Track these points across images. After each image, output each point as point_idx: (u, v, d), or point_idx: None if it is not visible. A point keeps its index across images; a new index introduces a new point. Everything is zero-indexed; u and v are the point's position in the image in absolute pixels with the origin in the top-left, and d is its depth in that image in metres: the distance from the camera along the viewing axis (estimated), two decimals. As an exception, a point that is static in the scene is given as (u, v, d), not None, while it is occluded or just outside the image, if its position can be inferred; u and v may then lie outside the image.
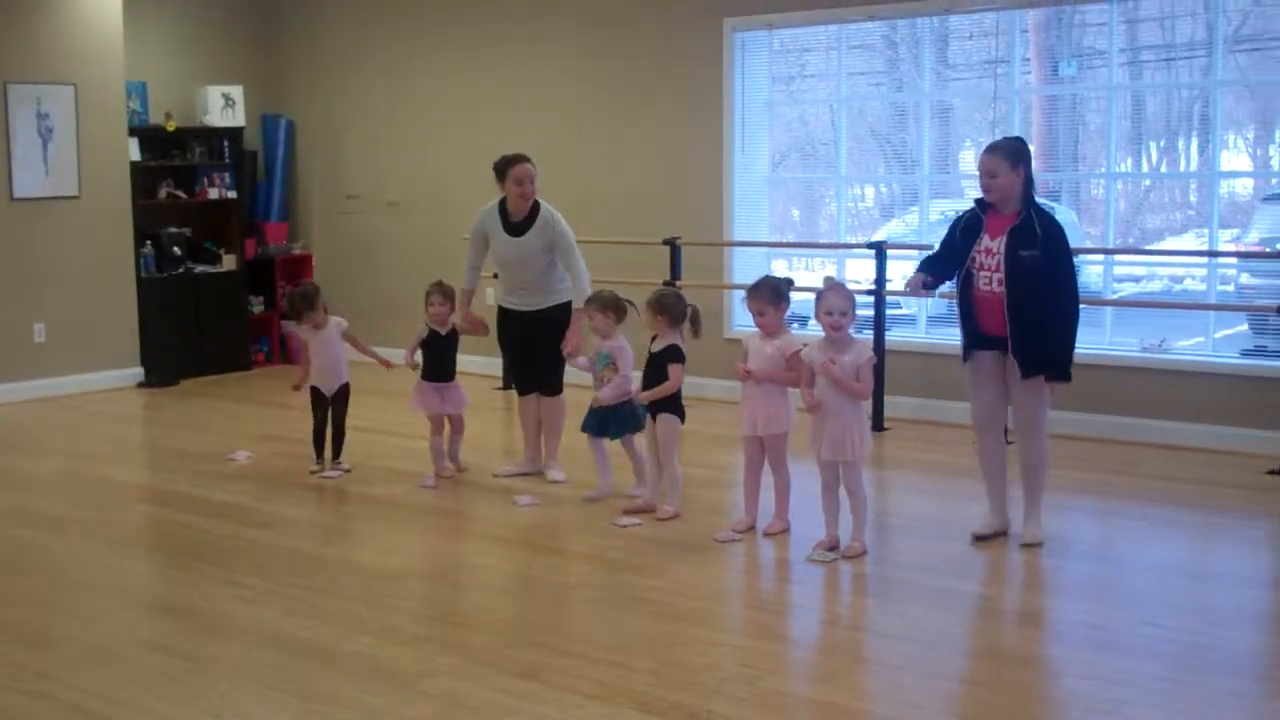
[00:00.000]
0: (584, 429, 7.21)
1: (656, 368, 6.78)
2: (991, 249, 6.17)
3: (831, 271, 9.67)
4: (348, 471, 7.90)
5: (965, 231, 6.33)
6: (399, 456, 8.11)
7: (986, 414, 6.52)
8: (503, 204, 7.59)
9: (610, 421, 7.09)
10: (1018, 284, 6.07)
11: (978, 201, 6.36)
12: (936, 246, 6.57)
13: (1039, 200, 6.33)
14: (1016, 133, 9.17)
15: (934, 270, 6.42)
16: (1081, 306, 6.29)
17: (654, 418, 6.85)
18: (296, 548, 6.52)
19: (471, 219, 7.78)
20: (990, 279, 6.18)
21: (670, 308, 6.80)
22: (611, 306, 7.09)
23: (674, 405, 6.83)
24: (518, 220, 7.53)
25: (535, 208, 7.51)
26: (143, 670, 4.96)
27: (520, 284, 7.60)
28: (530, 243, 7.49)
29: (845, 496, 6.28)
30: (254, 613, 5.55)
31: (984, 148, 6.34)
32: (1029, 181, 6.18)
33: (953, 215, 10.17)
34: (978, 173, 6.30)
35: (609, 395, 7.00)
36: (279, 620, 5.44)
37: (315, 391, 7.88)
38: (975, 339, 6.35)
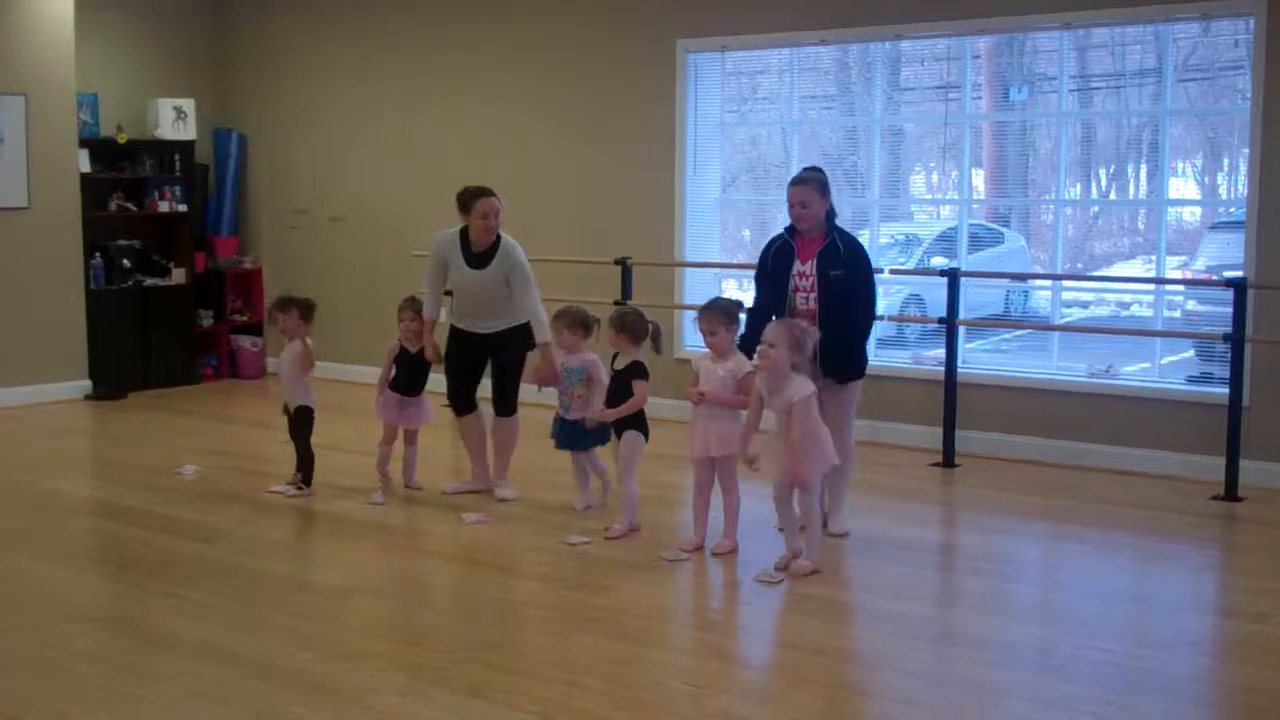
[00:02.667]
0: (559, 444, 7.38)
1: (621, 385, 6.81)
2: (805, 272, 6.77)
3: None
4: (297, 491, 7.80)
5: (776, 259, 6.88)
6: (348, 473, 8.06)
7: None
8: (464, 233, 7.54)
9: (580, 435, 7.25)
10: (829, 300, 6.66)
11: (787, 229, 6.91)
12: (756, 295, 7.04)
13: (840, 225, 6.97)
14: (967, 157, 9.28)
15: (766, 305, 6.87)
16: (1030, 331, 6.45)
17: (618, 435, 6.86)
18: (242, 563, 6.47)
19: (431, 245, 7.71)
20: (807, 298, 6.76)
21: (631, 325, 6.83)
22: (581, 323, 7.20)
23: (639, 423, 6.86)
24: (480, 251, 7.50)
25: (497, 238, 7.50)
26: (84, 683, 4.92)
27: (478, 311, 7.59)
28: (493, 274, 7.47)
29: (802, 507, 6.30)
30: (198, 627, 5.50)
31: (792, 180, 6.91)
32: (830, 208, 6.83)
33: (897, 240, 10.33)
34: (788, 202, 6.84)
35: (604, 418, 6.98)
36: (223, 635, 5.39)
37: None
38: None
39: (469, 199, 7.43)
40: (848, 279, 6.67)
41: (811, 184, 6.76)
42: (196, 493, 7.87)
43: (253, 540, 6.90)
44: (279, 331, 7.91)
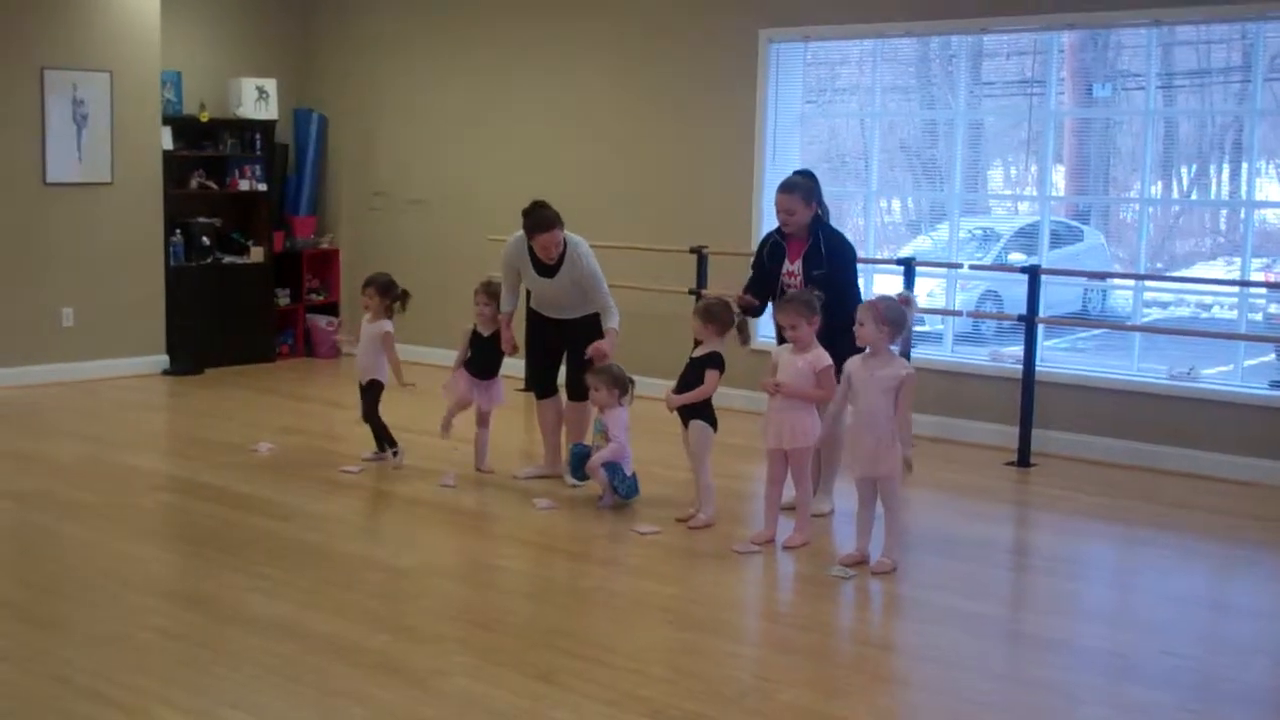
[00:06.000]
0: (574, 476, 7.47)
1: (695, 373, 6.79)
2: (793, 271, 7.09)
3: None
4: (393, 458, 8.03)
5: (771, 256, 7.20)
6: (420, 455, 8.10)
7: None
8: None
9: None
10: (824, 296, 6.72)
11: (777, 229, 7.20)
12: (748, 284, 7.39)
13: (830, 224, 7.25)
14: (1050, 153, 9.17)
15: (756, 293, 7.26)
16: (1107, 330, 6.36)
17: (685, 424, 6.86)
18: (316, 541, 6.52)
19: (503, 249, 7.73)
20: None
21: (717, 316, 6.84)
22: (618, 382, 7.19)
23: (706, 413, 6.84)
24: (546, 264, 7.55)
25: (564, 243, 7.50)
26: (160, 658, 4.98)
27: (552, 305, 7.67)
28: (561, 280, 7.53)
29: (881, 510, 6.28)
30: (272, 605, 5.55)
31: (780, 185, 7.13)
32: (819, 210, 7.09)
33: (974, 235, 10.22)
34: (775, 207, 7.10)
35: (595, 463, 7.17)
36: (297, 613, 5.44)
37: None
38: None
39: (531, 230, 7.42)
40: (829, 276, 6.89)
41: (799, 192, 7.02)
42: (272, 470, 7.94)
43: (326, 519, 6.96)
44: (364, 307, 8.11)
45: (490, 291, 7.75)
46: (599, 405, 7.20)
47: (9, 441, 8.86)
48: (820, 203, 7.12)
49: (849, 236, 7.34)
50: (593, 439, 7.37)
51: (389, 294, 8.02)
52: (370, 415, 8.04)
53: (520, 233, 7.54)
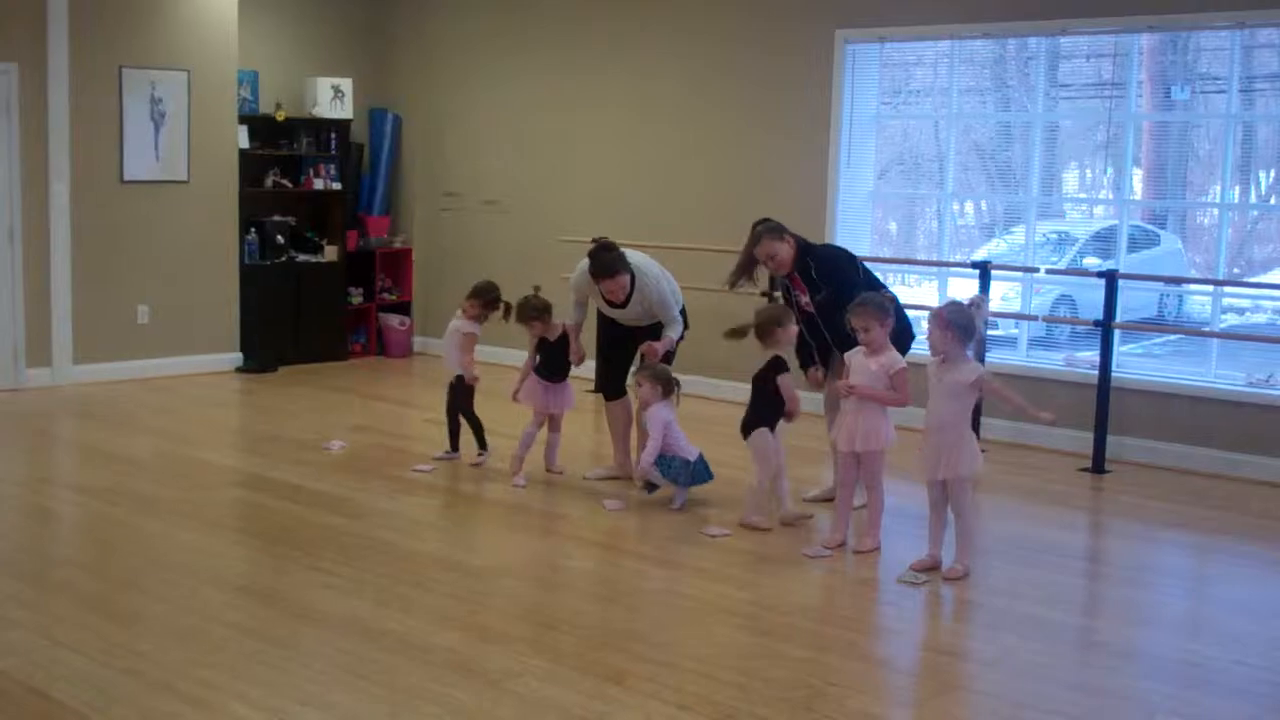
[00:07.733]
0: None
1: (763, 382, 6.83)
2: (807, 301, 7.11)
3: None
4: (479, 457, 8.09)
5: (788, 296, 7.25)
6: (493, 454, 8.12)
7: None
8: None
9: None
10: (831, 315, 6.86)
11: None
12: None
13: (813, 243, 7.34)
14: (1128, 156, 9.06)
15: (805, 343, 7.18)
16: (1182, 336, 6.30)
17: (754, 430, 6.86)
18: (388, 540, 6.55)
19: (571, 277, 7.76)
20: (821, 322, 7.06)
21: (783, 320, 6.88)
22: (661, 379, 7.18)
23: (772, 418, 6.85)
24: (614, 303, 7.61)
25: (630, 280, 7.49)
26: (233, 653, 5.01)
27: (623, 318, 7.68)
28: (632, 309, 7.56)
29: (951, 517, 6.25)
30: (344, 602, 5.58)
31: (755, 238, 7.14)
32: (796, 240, 7.13)
33: (1049, 239, 10.12)
34: (761, 260, 7.14)
35: (643, 465, 7.19)
36: (368, 611, 5.47)
37: None
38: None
39: (595, 275, 7.44)
40: (834, 293, 6.88)
41: (765, 238, 7.09)
42: (344, 468, 7.99)
43: (398, 517, 6.99)
44: (462, 309, 8.18)
45: (526, 317, 7.82)
46: (641, 400, 7.21)
47: (86, 437, 9.00)
48: (790, 234, 7.15)
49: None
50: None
51: (492, 307, 8.11)
52: (466, 413, 8.14)
53: (587, 262, 7.56)
